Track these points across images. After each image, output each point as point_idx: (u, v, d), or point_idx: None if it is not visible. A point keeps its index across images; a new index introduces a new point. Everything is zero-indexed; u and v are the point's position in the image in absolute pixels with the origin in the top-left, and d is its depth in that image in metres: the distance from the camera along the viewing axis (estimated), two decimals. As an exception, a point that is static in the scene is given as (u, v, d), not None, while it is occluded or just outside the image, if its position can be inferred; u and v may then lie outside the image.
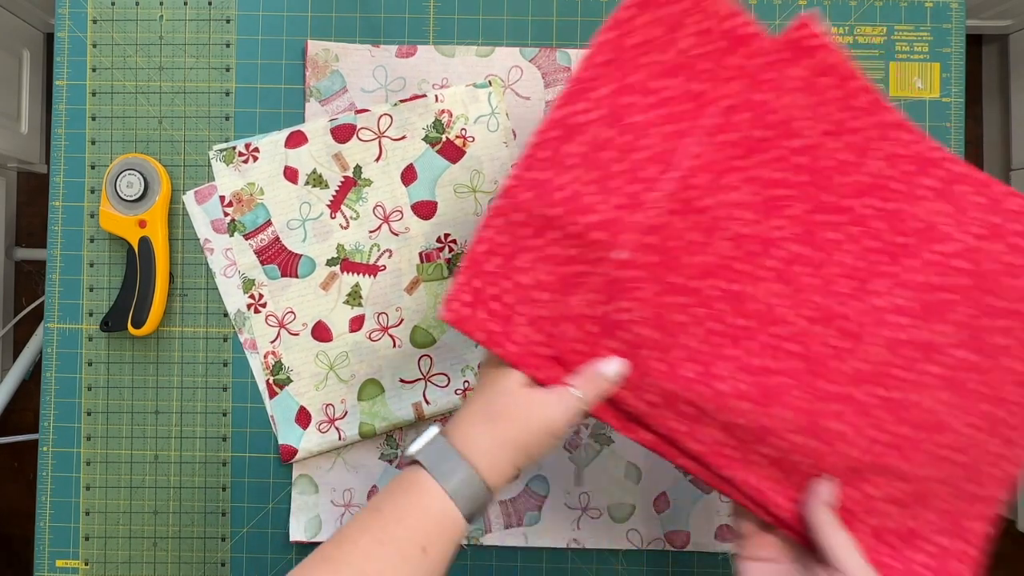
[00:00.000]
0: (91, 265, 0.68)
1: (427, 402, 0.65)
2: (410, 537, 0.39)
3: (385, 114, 0.66)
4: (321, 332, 0.66)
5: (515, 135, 0.67)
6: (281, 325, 0.66)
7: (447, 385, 0.66)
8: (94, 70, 0.68)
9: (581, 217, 0.43)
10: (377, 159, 0.66)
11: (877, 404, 0.43)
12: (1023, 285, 0.43)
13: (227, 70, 0.68)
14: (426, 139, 0.66)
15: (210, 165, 0.67)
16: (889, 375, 0.43)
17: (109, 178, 0.65)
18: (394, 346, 0.66)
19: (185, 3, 0.68)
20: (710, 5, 0.44)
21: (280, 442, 0.65)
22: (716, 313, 0.44)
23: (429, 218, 0.66)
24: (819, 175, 0.44)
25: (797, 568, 0.43)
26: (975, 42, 1.47)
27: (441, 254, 0.66)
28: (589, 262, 0.44)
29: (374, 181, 0.66)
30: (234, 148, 0.67)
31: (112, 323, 0.65)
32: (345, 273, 0.66)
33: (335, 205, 0.66)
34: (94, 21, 0.68)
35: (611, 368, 0.43)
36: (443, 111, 0.66)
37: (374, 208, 0.66)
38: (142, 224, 0.65)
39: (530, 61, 0.67)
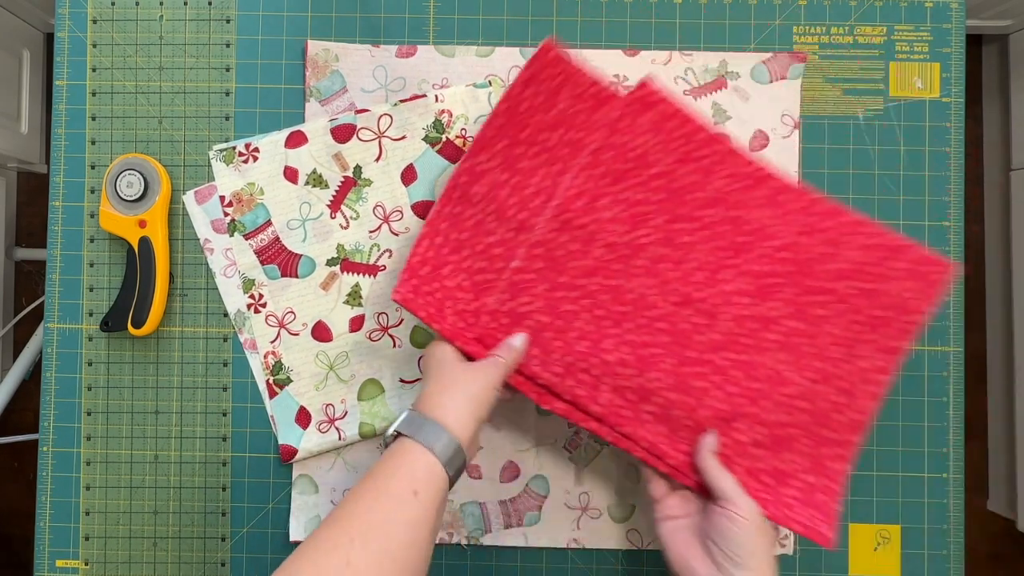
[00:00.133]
0: (91, 265, 0.68)
1: (427, 402, 0.65)
2: (402, 487, 0.47)
3: (385, 114, 0.66)
4: (321, 332, 0.66)
5: (515, 135, 0.67)
6: (281, 325, 0.66)
7: (447, 385, 0.66)
8: (94, 70, 0.68)
9: (484, 239, 0.59)
10: (377, 159, 0.66)
11: (731, 365, 0.56)
12: (832, 268, 0.56)
13: (227, 70, 0.68)
14: (426, 139, 0.66)
15: (210, 165, 0.67)
16: (738, 342, 0.56)
17: (109, 178, 0.65)
18: (394, 346, 0.66)
19: (185, 3, 0.68)
20: (578, 78, 0.59)
21: (280, 442, 0.65)
22: (600, 302, 0.57)
23: (429, 218, 0.66)
24: (674, 193, 0.58)
25: (701, 517, 0.54)
26: (975, 42, 1.47)
27: (441, 254, 0.66)
28: (495, 271, 0.58)
29: (374, 181, 0.66)
30: (234, 148, 0.67)
31: (112, 323, 0.65)
32: (345, 273, 0.66)
33: (335, 205, 0.66)
34: (94, 21, 0.68)
35: (517, 340, 0.57)
36: (443, 111, 0.66)
37: (374, 208, 0.66)
38: (142, 224, 0.65)
39: (530, 61, 0.67)
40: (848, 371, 0.56)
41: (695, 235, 0.57)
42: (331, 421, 0.66)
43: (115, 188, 0.65)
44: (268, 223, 0.66)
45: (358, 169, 0.66)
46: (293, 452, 0.65)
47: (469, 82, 0.67)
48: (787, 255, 0.56)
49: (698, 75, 0.67)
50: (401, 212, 0.66)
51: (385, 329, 0.66)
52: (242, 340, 0.67)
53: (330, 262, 0.66)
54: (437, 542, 0.66)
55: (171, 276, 0.67)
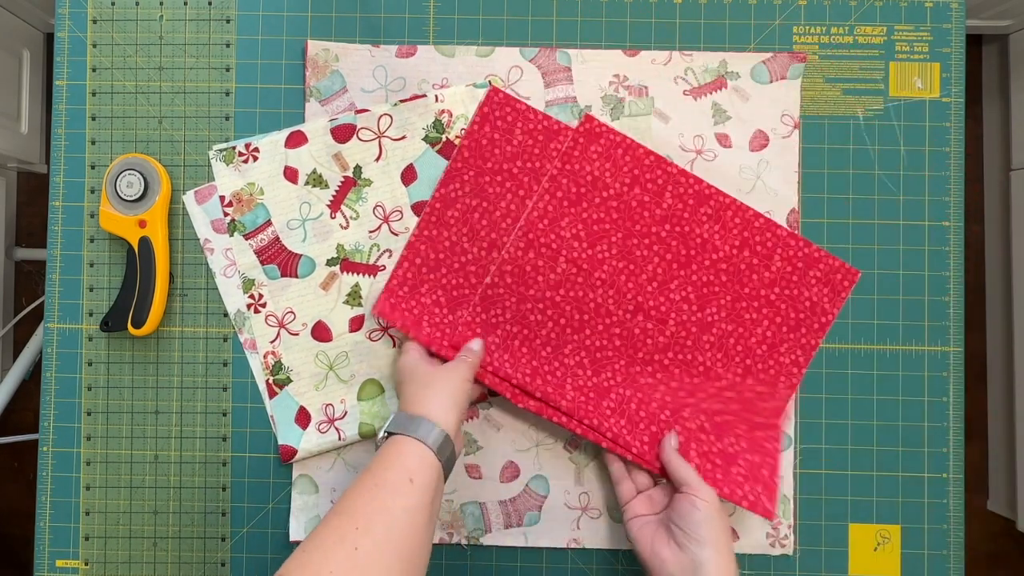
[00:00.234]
0: (91, 265, 0.68)
1: (427, 402, 0.65)
2: (398, 475, 0.51)
3: (385, 114, 0.66)
4: (321, 332, 0.66)
5: (515, 135, 0.67)
6: (281, 325, 0.66)
7: (447, 385, 0.66)
8: (94, 70, 0.68)
9: (459, 258, 0.65)
10: (377, 159, 0.66)
11: (673, 364, 0.65)
12: (762, 277, 0.65)
13: (227, 70, 0.68)
14: (426, 139, 0.66)
15: (210, 165, 0.67)
16: (681, 344, 0.65)
17: (109, 178, 0.65)
18: (394, 346, 0.66)
19: (185, 3, 0.68)
20: (528, 114, 0.66)
21: (280, 442, 0.65)
22: (563, 312, 0.65)
23: (429, 218, 0.66)
24: (628, 212, 0.65)
25: (666, 513, 0.59)
26: (975, 42, 1.47)
27: (441, 254, 0.66)
28: (470, 286, 0.65)
29: (374, 181, 0.66)
30: (234, 148, 0.67)
31: (112, 323, 0.65)
32: (345, 273, 0.66)
33: (335, 205, 0.66)
34: (94, 21, 0.68)
35: (476, 344, 0.62)
36: (443, 111, 0.66)
37: (374, 208, 0.66)
38: (142, 224, 0.65)
39: (530, 61, 0.67)
40: (771, 365, 0.65)
41: (649, 249, 0.65)
42: (331, 421, 0.66)
43: (115, 188, 0.65)
44: (268, 223, 0.66)
45: (358, 169, 0.66)
46: (293, 452, 0.65)
47: (469, 82, 0.67)
48: (725, 266, 0.65)
49: (698, 75, 0.67)
50: (401, 212, 0.66)
51: (385, 329, 0.66)
52: (242, 340, 0.67)
53: (330, 262, 0.66)
54: (437, 542, 0.66)
55: (171, 276, 0.67)
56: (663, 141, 0.67)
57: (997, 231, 1.43)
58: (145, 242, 0.65)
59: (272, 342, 0.66)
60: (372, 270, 0.66)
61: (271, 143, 0.66)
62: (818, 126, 0.68)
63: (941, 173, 0.67)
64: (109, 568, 0.67)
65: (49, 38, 1.41)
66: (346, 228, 0.66)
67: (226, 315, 0.67)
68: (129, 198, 0.65)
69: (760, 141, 0.67)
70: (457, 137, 0.66)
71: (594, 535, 0.66)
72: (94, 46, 0.68)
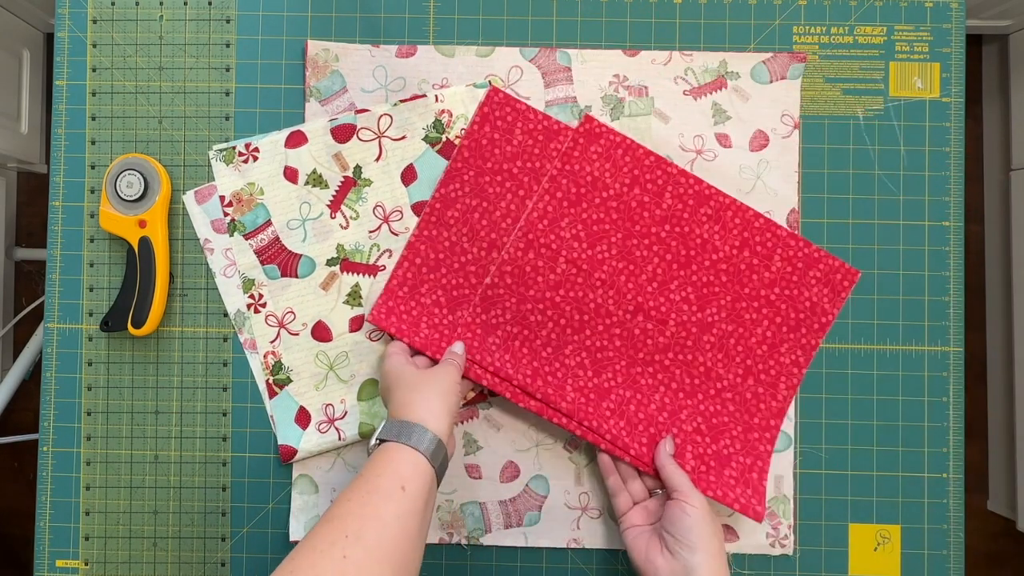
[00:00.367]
0: (91, 265, 0.68)
1: (427, 402, 0.65)
2: (391, 483, 0.50)
3: (385, 114, 0.66)
4: (321, 332, 0.66)
5: (515, 135, 0.67)
6: (281, 325, 0.66)
7: (447, 385, 0.66)
8: (94, 70, 0.68)
9: (459, 258, 0.65)
10: (377, 159, 0.66)
11: (674, 364, 0.65)
12: (762, 278, 0.65)
13: (227, 70, 0.68)
14: (426, 139, 0.66)
15: (210, 165, 0.67)
16: (681, 345, 0.65)
17: (109, 178, 0.65)
18: (394, 346, 0.66)
19: (185, 3, 0.68)
20: (528, 114, 0.65)
21: (280, 442, 0.65)
22: (564, 312, 0.64)
23: (429, 218, 0.66)
24: (628, 212, 0.65)
25: (660, 522, 0.59)
26: (975, 42, 1.47)
27: (441, 254, 0.66)
28: (470, 287, 0.65)
29: (374, 181, 0.66)
30: (234, 148, 0.67)
31: (112, 323, 0.65)
32: (345, 273, 0.66)
33: (335, 205, 0.66)
34: (94, 21, 0.68)
35: (458, 347, 0.62)
36: (443, 111, 0.66)
37: (374, 208, 0.66)
38: (142, 224, 0.65)
39: (530, 61, 0.67)
40: (771, 366, 0.65)
41: (649, 250, 0.65)
42: (331, 421, 0.66)
43: (115, 188, 0.65)
44: (268, 223, 0.66)
45: (358, 169, 0.66)
46: (293, 452, 0.65)
47: (469, 82, 0.67)
48: (725, 267, 0.65)
49: (698, 75, 0.67)
50: (401, 212, 0.66)
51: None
52: (242, 340, 0.67)
53: (330, 262, 0.66)
54: (437, 542, 0.66)
55: (171, 276, 0.67)
56: (663, 141, 0.67)
57: (997, 231, 1.43)
58: (145, 242, 0.65)
59: (272, 342, 0.66)
60: (372, 270, 0.66)
61: (271, 143, 0.66)
62: (818, 126, 0.68)
63: (941, 173, 0.67)
64: (109, 568, 0.67)
65: (49, 38, 1.41)
66: (346, 228, 0.66)
67: (226, 315, 0.67)
68: (129, 198, 0.65)
69: (760, 141, 0.67)
70: (457, 137, 0.66)
71: (594, 535, 0.66)
72: (94, 46, 0.68)
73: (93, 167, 0.68)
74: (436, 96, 0.66)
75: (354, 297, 0.66)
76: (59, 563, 0.67)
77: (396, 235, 0.66)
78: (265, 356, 0.66)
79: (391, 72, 0.67)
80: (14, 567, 1.47)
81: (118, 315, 0.65)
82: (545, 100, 0.67)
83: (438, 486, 0.54)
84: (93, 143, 0.68)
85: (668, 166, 0.65)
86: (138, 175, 0.65)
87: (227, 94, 0.68)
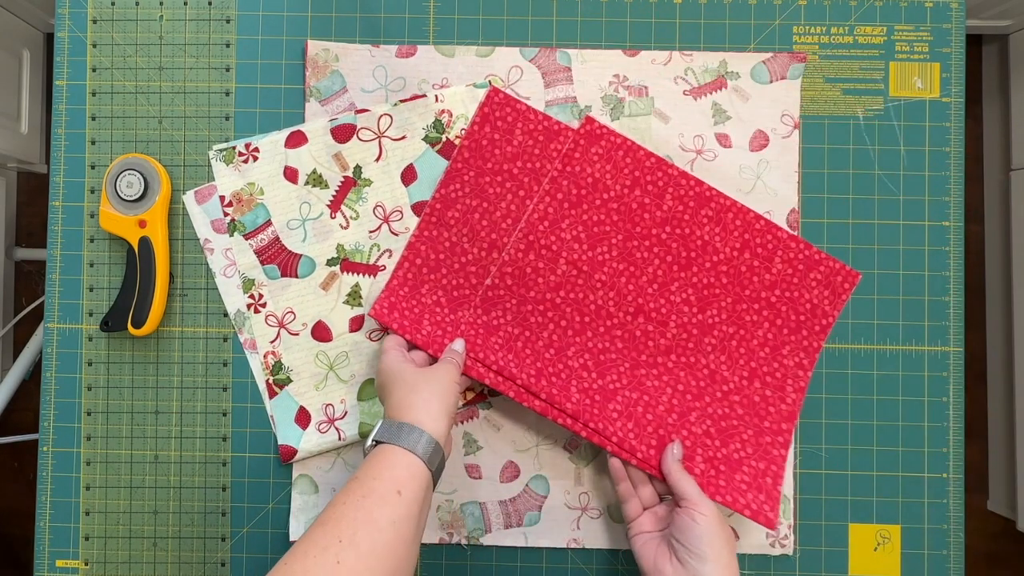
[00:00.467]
0: (91, 265, 0.68)
1: (427, 402, 0.65)
2: (386, 487, 0.49)
3: (385, 114, 0.66)
4: (321, 332, 0.66)
5: (515, 135, 0.67)
6: (281, 325, 0.66)
7: (447, 385, 0.66)
8: (94, 70, 0.68)
9: (460, 258, 0.65)
10: (377, 159, 0.66)
11: (677, 367, 0.65)
12: (763, 280, 0.64)
13: (227, 70, 0.68)
14: (426, 139, 0.66)
15: (210, 165, 0.67)
16: (683, 347, 0.64)
17: (109, 178, 0.65)
18: (394, 346, 0.66)
19: (185, 3, 0.68)
20: (528, 115, 0.65)
21: (280, 442, 0.65)
22: (564, 314, 0.64)
23: (429, 218, 0.66)
24: (628, 214, 0.65)
25: (668, 530, 0.58)
26: (975, 42, 1.47)
27: (441, 254, 0.66)
28: (471, 287, 0.65)
29: (374, 181, 0.66)
30: (234, 148, 0.67)
31: (112, 323, 0.65)
32: (345, 273, 0.66)
33: (335, 205, 0.66)
34: (94, 21, 0.68)
35: (458, 344, 0.62)
36: (443, 111, 0.66)
37: (374, 208, 0.66)
38: (142, 224, 0.65)
39: (530, 61, 0.67)
40: (776, 368, 0.64)
41: (649, 251, 0.65)
42: (331, 421, 0.66)
43: (115, 188, 0.65)
44: (268, 223, 0.66)
45: (358, 169, 0.66)
46: (293, 452, 0.65)
47: (469, 82, 0.67)
48: (726, 268, 0.64)
49: (698, 75, 0.67)
50: (401, 212, 0.66)
51: (385, 329, 0.66)
52: (242, 340, 0.67)
53: (330, 262, 0.66)
54: (437, 542, 0.66)
55: (171, 276, 0.67)
56: (663, 141, 0.67)
57: (997, 231, 1.43)
58: (145, 242, 0.65)
59: (272, 342, 0.66)
60: (372, 270, 0.66)
61: (271, 143, 0.67)
62: (818, 126, 0.68)
63: (941, 173, 0.67)
64: (109, 568, 0.67)
65: (49, 38, 1.41)
66: (346, 228, 0.66)
67: (226, 315, 0.67)
68: (129, 198, 0.65)
69: (760, 141, 0.67)
70: (457, 137, 0.66)
71: (594, 535, 0.66)
72: (94, 46, 0.68)
73: (93, 167, 0.68)
74: (436, 96, 0.66)
75: (354, 297, 0.66)
76: (59, 563, 0.67)
77: (396, 235, 0.66)
78: (265, 356, 0.66)
79: (391, 72, 0.67)
80: (14, 567, 1.47)
81: (118, 315, 0.65)
82: (545, 100, 0.67)
83: (434, 488, 0.54)
84: (93, 143, 0.68)
85: (669, 168, 0.65)
86: (138, 175, 0.65)
87: (227, 94, 0.68)
